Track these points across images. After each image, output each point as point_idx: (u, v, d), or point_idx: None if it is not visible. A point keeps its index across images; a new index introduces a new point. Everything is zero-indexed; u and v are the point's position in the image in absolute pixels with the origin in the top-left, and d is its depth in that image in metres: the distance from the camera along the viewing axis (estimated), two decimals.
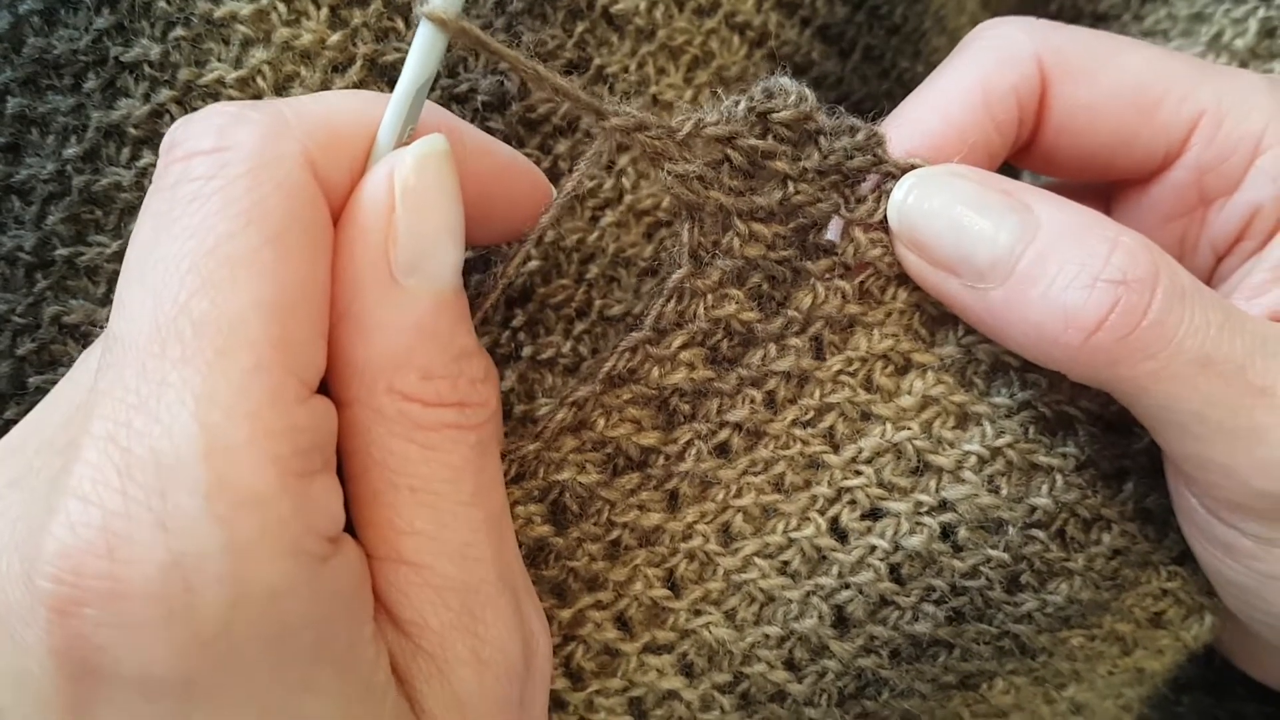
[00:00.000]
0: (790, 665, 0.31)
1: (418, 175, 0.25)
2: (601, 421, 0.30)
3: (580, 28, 0.35)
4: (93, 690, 0.22)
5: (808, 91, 0.30)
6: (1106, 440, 0.31)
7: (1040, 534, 0.30)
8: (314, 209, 0.24)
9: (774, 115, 0.29)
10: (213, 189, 0.23)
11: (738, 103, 0.30)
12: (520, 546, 0.29)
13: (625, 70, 0.36)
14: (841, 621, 0.31)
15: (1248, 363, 0.27)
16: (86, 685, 0.22)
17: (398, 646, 0.25)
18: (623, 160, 0.36)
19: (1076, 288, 0.27)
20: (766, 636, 0.31)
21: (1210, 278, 0.33)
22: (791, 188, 0.30)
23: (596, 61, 0.35)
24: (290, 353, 0.23)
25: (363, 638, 0.24)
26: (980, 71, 0.31)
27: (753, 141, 0.29)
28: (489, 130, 0.34)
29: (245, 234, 0.23)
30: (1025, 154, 0.33)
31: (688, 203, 0.30)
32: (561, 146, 0.35)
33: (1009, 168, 0.35)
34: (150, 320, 0.22)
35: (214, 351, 0.22)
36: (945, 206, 0.29)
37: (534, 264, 0.33)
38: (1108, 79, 0.31)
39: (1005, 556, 0.30)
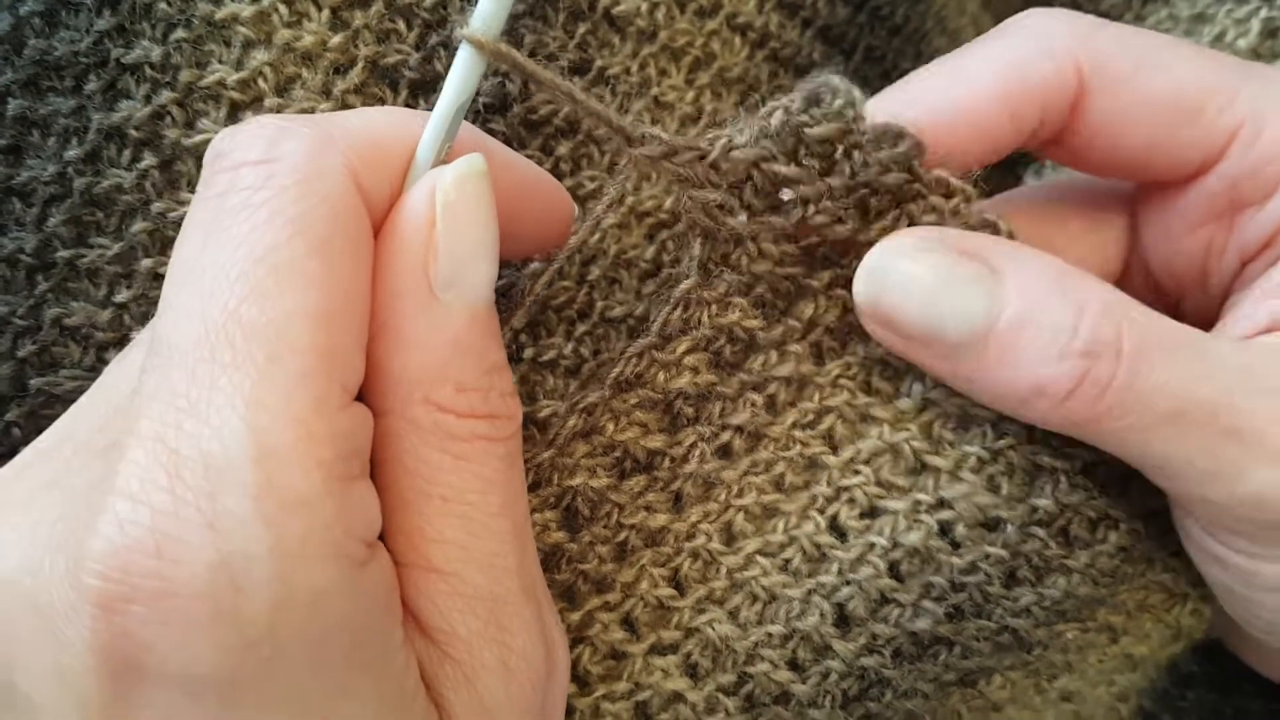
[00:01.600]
0: (794, 665, 0.31)
1: (458, 193, 0.26)
2: (610, 426, 0.31)
3: (582, 29, 0.35)
4: (133, 689, 0.22)
5: (856, 93, 0.29)
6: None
7: (1040, 531, 0.31)
8: (357, 221, 0.25)
9: (810, 130, 0.29)
10: (261, 199, 0.24)
11: (774, 113, 0.29)
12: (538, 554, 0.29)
13: (627, 72, 0.36)
14: (843, 620, 0.31)
15: (1219, 406, 0.27)
16: (127, 684, 0.22)
17: (425, 654, 0.25)
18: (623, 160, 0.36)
19: (1046, 360, 0.28)
20: (770, 635, 0.31)
21: (1234, 281, 0.33)
22: (811, 209, 0.29)
23: (598, 63, 0.35)
24: (334, 361, 0.23)
25: (395, 643, 0.24)
26: (1010, 60, 0.30)
27: (778, 168, 0.29)
28: (490, 132, 0.34)
29: (292, 244, 0.23)
30: (1052, 148, 0.33)
31: (705, 227, 0.30)
32: (563, 148, 0.35)
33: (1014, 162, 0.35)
34: (199, 325, 0.23)
35: (264, 357, 0.22)
36: (913, 284, 0.29)
37: (534, 265, 0.33)
38: (1150, 85, 0.30)
39: (1003, 553, 0.31)
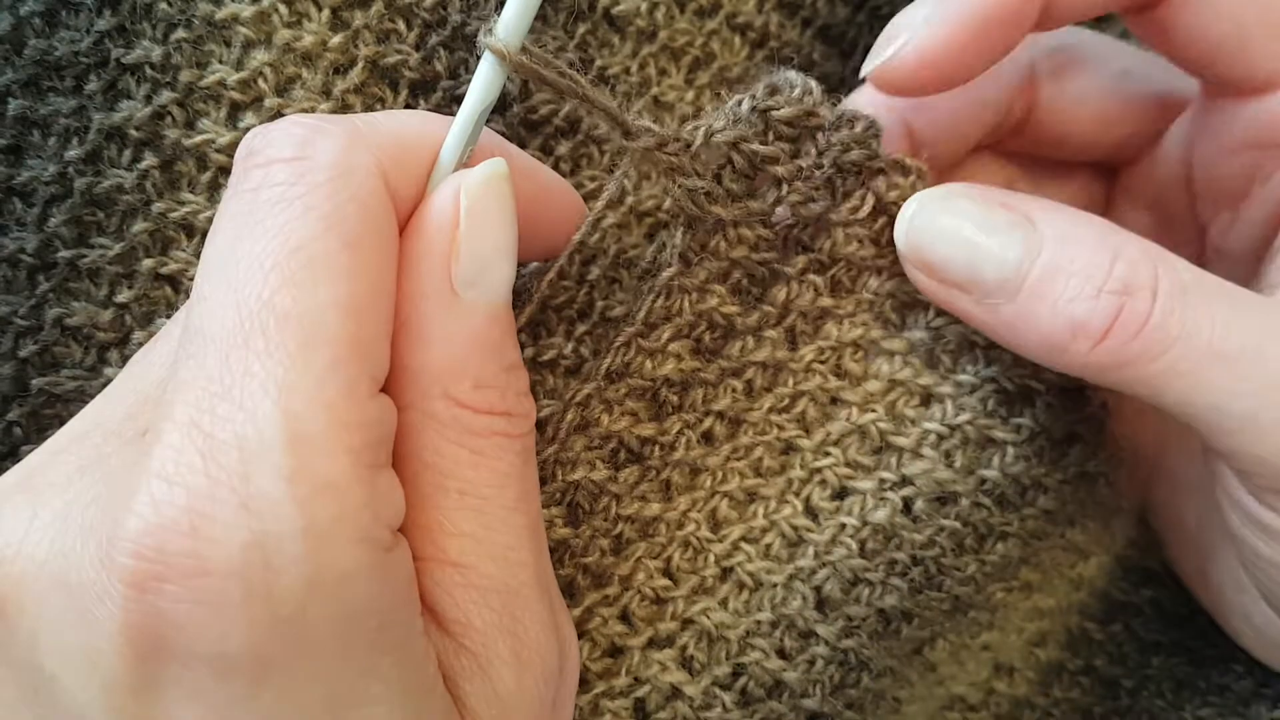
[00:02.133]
0: (782, 653, 0.32)
1: (482, 196, 0.26)
2: (605, 417, 0.32)
3: (582, 29, 0.35)
4: (162, 669, 0.22)
5: (814, 84, 0.31)
6: (1062, 406, 0.33)
7: (986, 500, 0.32)
8: (385, 219, 0.25)
9: (775, 113, 0.30)
10: (295, 194, 0.24)
11: (741, 101, 0.30)
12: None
13: (627, 71, 0.36)
14: (822, 603, 0.32)
15: (1264, 351, 0.28)
16: (156, 664, 0.22)
17: (441, 645, 0.26)
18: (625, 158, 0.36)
19: (1082, 300, 0.28)
20: (759, 623, 0.31)
21: (1277, 223, 0.33)
22: (785, 189, 0.31)
23: (598, 63, 0.35)
24: (364, 351, 0.24)
25: (417, 630, 0.25)
26: None
27: (755, 147, 0.30)
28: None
29: (325, 238, 0.24)
30: (1139, 22, 0.32)
31: (691, 215, 0.31)
32: (563, 148, 0.35)
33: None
34: (234, 314, 0.23)
35: (296, 345, 0.23)
36: (951, 228, 0.30)
37: (534, 265, 0.34)
38: None
39: (956, 525, 0.32)
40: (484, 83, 0.28)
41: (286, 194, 0.24)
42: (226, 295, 0.23)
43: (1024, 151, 0.37)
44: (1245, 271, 0.34)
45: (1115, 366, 0.28)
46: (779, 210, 0.32)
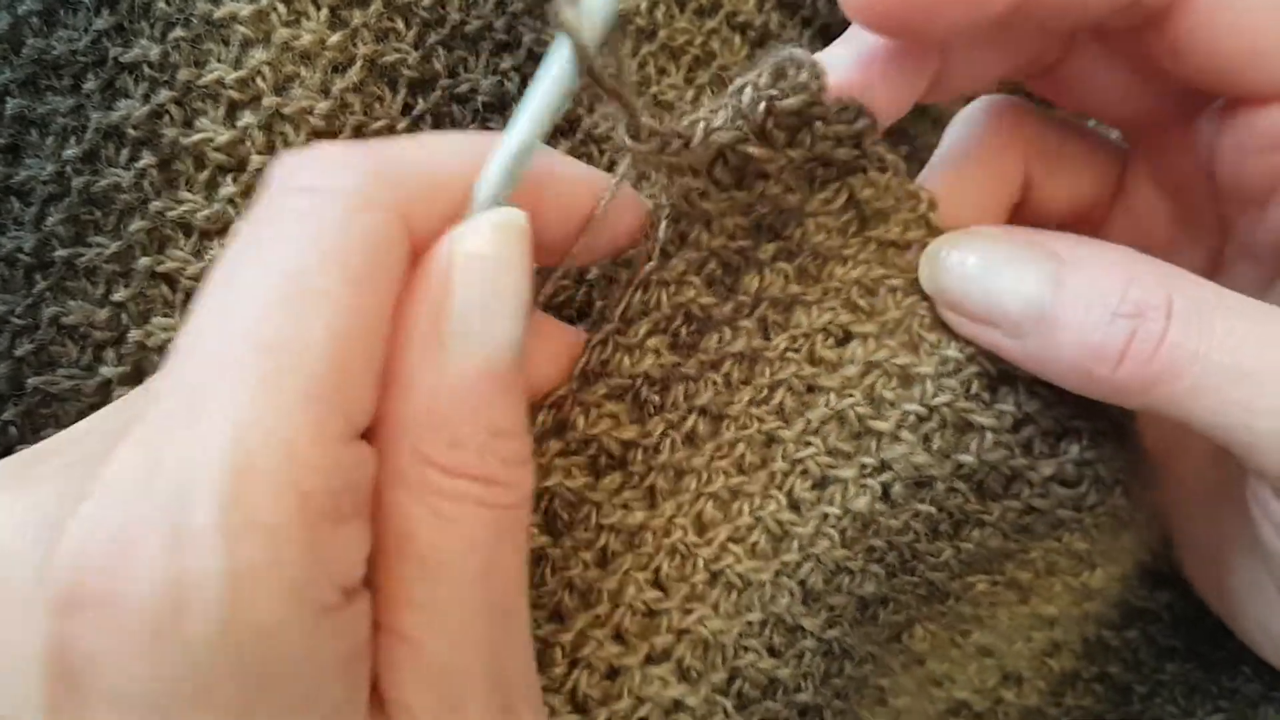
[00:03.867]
0: (773, 651, 0.31)
1: (486, 245, 0.25)
2: (581, 420, 0.30)
3: None
4: (73, 697, 0.21)
5: (820, 65, 0.29)
6: (1058, 398, 0.32)
7: (963, 486, 0.31)
8: (396, 260, 0.24)
9: (780, 103, 0.29)
10: (304, 225, 0.23)
11: (742, 89, 0.29)
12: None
13: None
14: (807, 597, 0.31)
15: None
16: (69, 690, 0.21)
17: None
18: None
19: (1098, 327, 0.28)
20: (750, 625, 0.31)
21: None
22: (772, 182, 0.30)
23: None
24: (342, 392, 0.22)
25: (354, 707, 0.23)
26: None
27: (753, 150, 0.29)
28: (487, 129, 0.34)
29: (324, 272, 0.22)
30: (1150, 33, 0.31)
31: (681, 211, 0.30)
32: (562, 147, 0.35)
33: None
34: (215, 337, 0.22)
35: (268, 375, 0.21)
36: (974, 266, 0.30)
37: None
38: None
39: (931, 510, 0.31)
40: (553, 88, 0.24)
41: (295, 224, 0.23)
42: (212, 319, 0.23)
43: (1042, 94, 0.36)
44: (1270, 271, 0.34)
45: (1141, 390, 0.28)
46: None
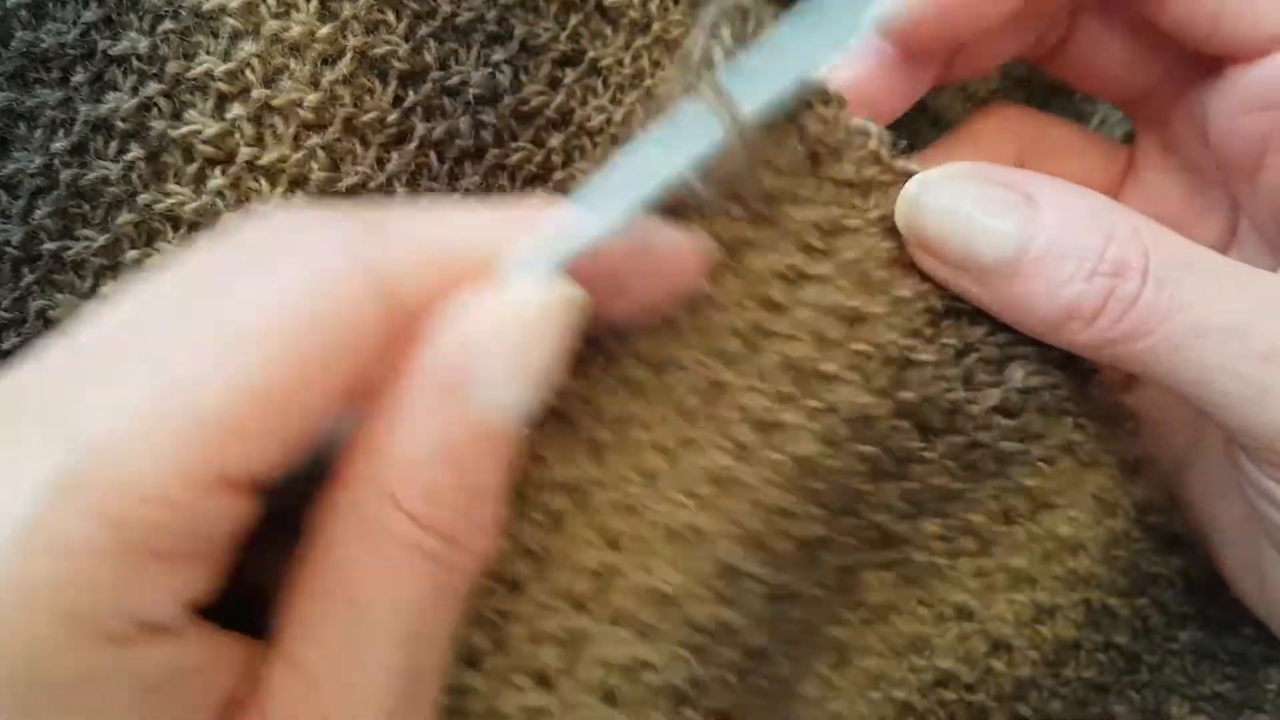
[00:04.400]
0: (724, 600, 0.30)
1: (537, 315, 0.23)
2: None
3: (574, 20, 0.35)
4: None
5: (841, 95, 0.28)
6: (1001, 326, 0.31)
7: (904, 424, 0.31)
8: (362, 324, 0.22)
9: (812, 129, 0.28)
10: (264, 273, 0.22)
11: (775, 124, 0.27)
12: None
13: (620, 64, 0.36)
14: (755, 545, 0.30)
15: (1251, 326, 0.27)
16: None
17: None
18: None
19: (1075, 282, 0.28)
20: (703, 575, 0.30)
21: None
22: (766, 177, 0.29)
23: (590, 54, 0.35)
24: (236, 444, 0.20)
25: None
26: None
27: (770, 184, 0.28)
28: (480, 124, 0.34)
29: (269, 317, 0.21)
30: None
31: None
32: (555, 140, 0.35)
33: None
34: (126, 338, 0.21)
35: (160, 403, 0.20)
36: (949, 208, 0.29)
37: None
38: None
39: (874, 450, 0.30)
40: (682, 166, 0.24)
41: (259, 269, 0.22)
42: (135, 315, 0.21)
43: (1052, 74, 0.36)
44: (1274, 239, 0.33)
45: (1107, 344, 0.28)
46: None
